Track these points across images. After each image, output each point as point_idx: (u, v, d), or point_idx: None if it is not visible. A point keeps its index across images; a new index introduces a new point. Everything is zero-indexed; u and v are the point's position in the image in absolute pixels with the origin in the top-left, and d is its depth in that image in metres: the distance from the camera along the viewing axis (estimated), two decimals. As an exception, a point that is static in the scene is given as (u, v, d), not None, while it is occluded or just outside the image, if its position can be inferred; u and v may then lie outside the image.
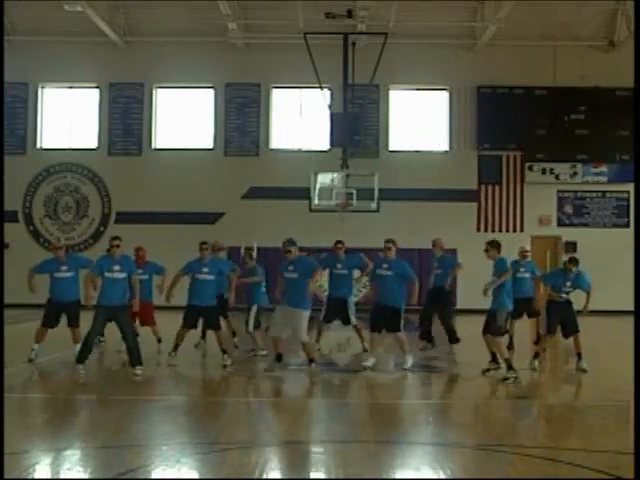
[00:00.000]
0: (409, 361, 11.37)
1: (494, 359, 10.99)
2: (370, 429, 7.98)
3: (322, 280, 13.53)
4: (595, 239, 22.87)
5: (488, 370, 11.01)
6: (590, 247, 21.98)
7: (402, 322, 11.30)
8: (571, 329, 11.42)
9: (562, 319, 11.39)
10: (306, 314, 10.63)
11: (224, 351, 11.45)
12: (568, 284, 11.34)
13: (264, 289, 12.77)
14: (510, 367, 10.58)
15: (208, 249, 11.81)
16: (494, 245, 11.03)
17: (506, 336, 12.28)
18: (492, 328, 10.80)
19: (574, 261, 11.43)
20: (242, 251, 13.86)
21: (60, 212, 23.87)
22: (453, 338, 13.18)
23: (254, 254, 13.18)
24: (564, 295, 11.41)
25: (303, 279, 10.57)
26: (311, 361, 10.83)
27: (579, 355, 11.47)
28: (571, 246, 22.67)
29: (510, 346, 13.09)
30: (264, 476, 6.15)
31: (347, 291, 12.91)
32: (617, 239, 22.59)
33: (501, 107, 23.08)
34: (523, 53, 22.94)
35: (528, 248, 14.19)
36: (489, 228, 23.28)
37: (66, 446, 6.92)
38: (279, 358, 10.88)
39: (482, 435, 7.81)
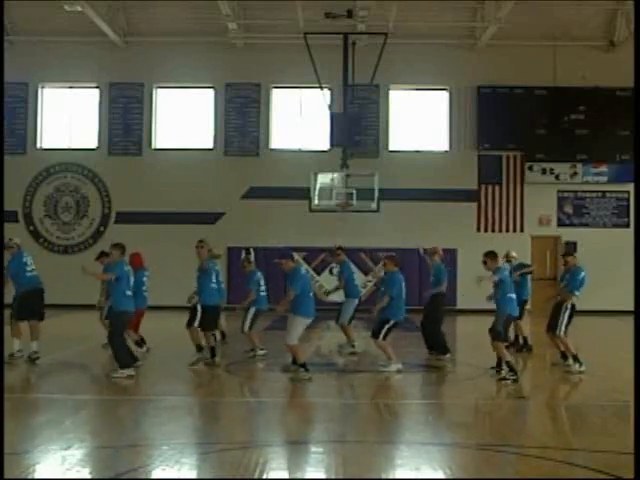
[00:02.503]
0: (391, 367, 11.32)
1: (499, 364, 10.99)
2: (370, 429, 7.98)
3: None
4: (595, 239, 22.82)
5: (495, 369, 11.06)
6: (590, 247, 21.95)
7: (383, 330, 11.27)
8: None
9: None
10: (297, 319, 10.66)
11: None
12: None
13: (264, 293, 12.80)
14: (512, 369, 10.60)
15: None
16: (491, 256, 10.97)
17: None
18: (493, 332, 10.78)
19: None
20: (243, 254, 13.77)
21: (60, 212, 23.84)
22: (441, 347, 12.60)
23: (252, 258, 13.16)
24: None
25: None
26: (294, 363, 10.84)
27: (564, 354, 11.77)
28: (571, 246, 22.62)
29: (517, 344, 13.31)
30: (264, 476, 6.15)
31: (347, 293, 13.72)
32: (617, 239, 22.53)
33: (501, 107, 23.04)
34: (523, 53, 22.90)
35: (514, 254, 13.71)
36: (489, 228, 23.25)
37: (66, 446, 6.91)
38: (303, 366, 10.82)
39: (482, 435, 7.82)
